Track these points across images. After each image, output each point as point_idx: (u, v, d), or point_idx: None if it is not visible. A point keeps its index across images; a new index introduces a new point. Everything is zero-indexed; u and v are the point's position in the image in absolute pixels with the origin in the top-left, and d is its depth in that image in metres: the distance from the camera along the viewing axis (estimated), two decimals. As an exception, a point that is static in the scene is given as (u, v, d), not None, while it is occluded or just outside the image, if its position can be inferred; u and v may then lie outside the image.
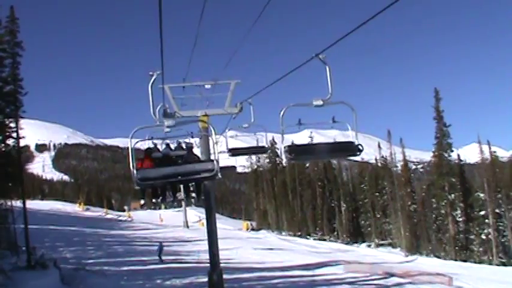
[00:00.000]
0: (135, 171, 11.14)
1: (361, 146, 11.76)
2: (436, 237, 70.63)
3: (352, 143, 11.94)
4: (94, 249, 46.09)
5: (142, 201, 18.90)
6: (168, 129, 15.20)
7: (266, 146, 23.56)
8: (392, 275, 41.06)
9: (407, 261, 61.14)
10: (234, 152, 22.84)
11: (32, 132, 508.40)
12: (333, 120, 12.03)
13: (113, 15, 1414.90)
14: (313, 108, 11.42)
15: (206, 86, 20.24)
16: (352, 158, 14.91)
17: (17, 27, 34.65)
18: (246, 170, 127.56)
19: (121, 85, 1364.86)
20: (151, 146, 17.81)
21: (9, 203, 35.60)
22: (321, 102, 11.28)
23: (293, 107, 11.47)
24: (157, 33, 9.84)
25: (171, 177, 12.02)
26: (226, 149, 22.26)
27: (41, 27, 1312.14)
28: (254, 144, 28.30)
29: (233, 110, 20.69)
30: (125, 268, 35.82)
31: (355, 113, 11.55)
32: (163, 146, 18.90)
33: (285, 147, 11.75)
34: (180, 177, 12.15)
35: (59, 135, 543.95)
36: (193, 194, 19.52)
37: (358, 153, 11.90)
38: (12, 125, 33.59)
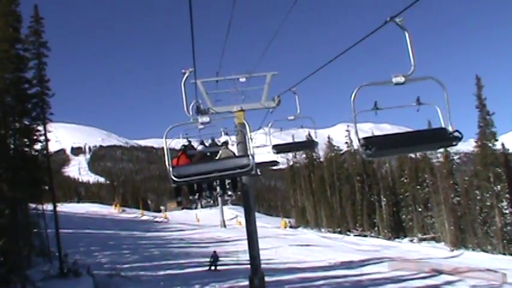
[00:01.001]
0: (170, 169, 10.70)
1: (459, 132, 9.11)
2: (481, 231, 67.88)
3: (445, 129, 9.32)
4: (130, 253, 45.18)
5: (179, 199, 18.79)
6: (202, 126, 15.51)
7: (315, 140, 21.69)
8: (440, 272, 39.21)
9: (453, 257, 59.21)
10: (279, 148, 21.02)
11: (67, 135, 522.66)
12: (417, 101, 9.37)
13: (144, 14, 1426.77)
14: (389, 88, 9.06)
15: (241, 80, 19.45)
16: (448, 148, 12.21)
17: (41, 26, 33.89)
18: (281, 167, 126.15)
19: (154, 86, 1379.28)
20: (186, 143, 18.02)
21: (40, 208, 34.68)
22: (402, 79, 8.94)
23: (367, 86, 9.00)
24: (188, 27, 9.73)
25: (206, 174, 11.36)
26: (269, 144, 20.58)
27: (75, 30, 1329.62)
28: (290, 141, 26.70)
29: (270, 104, 19.81)
30: (162, 273, 34.80)
31: (446, 92, 9.11)
32: (198, 144, 19.19)
33: (360, 139, 9.10)
34: (215, 173, 11.34)
35: (94, 137, 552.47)
36: (230, 192, 18.62)
37: (455, 142, 9.30)
38: (40, 128, 32.63)
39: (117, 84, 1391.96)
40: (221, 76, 20.07)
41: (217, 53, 21.05)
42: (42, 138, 32.67)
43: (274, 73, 20.16)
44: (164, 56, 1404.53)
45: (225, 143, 17.30)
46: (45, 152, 32.94)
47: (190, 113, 12.81)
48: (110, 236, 58.97)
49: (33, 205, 33.14)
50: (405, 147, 10.11)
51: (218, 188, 18.42)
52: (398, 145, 9.71)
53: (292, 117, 18.90)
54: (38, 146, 32.74)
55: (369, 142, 9.01)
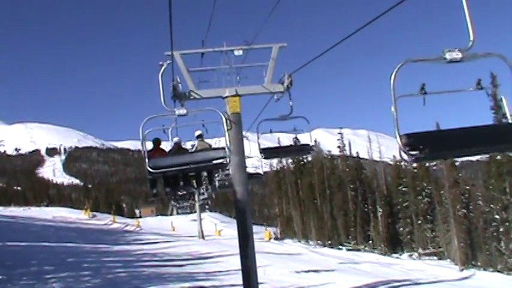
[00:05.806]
0: (146, 160, 11.09)
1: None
2: (493, 248, 61.48)
3: None
4: (90, 275, 37.12)
5: (154, 191, 17.16)
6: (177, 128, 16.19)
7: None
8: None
9: (465, 278, 52.95)
10: (268, 153, 19.64)
11: (42, 136, 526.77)
12: (477, 84, 7.07)
13: (122, 10, 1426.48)
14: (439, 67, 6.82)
15: (236, 53, 15.46)
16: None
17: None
18: (259, 171, 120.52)
19: (131, 88, 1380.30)
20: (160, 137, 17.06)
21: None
22: (459, 55, 6.44)
23: (413, 62, 6.57)
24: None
25: (182, 166, 11.59)
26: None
27: (50, 31, 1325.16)
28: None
29: (277, 87, 15.57)
30: (126, 306, 27.16)
31: None
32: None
33: (401, 138, 6.73)
34: (191, 165, 11.76)
35: (70, 138, 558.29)
36: (206, 195, 18.42)
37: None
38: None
39: (94, 84, 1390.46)
40: (209, 47, 15.75)
41: (204, 19, 16.19)
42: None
43: (283, 45, 15.91)
44: (141, 58, 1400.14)
45: (200, 136, 16.76)
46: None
47: (168, 107, 12.21)
48: (70, 250, 51.15)
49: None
50: (468, 147, 7.44)
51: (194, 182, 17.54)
52: (459, 145, 7.38)
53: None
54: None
55: (416, 141, 6.76)
